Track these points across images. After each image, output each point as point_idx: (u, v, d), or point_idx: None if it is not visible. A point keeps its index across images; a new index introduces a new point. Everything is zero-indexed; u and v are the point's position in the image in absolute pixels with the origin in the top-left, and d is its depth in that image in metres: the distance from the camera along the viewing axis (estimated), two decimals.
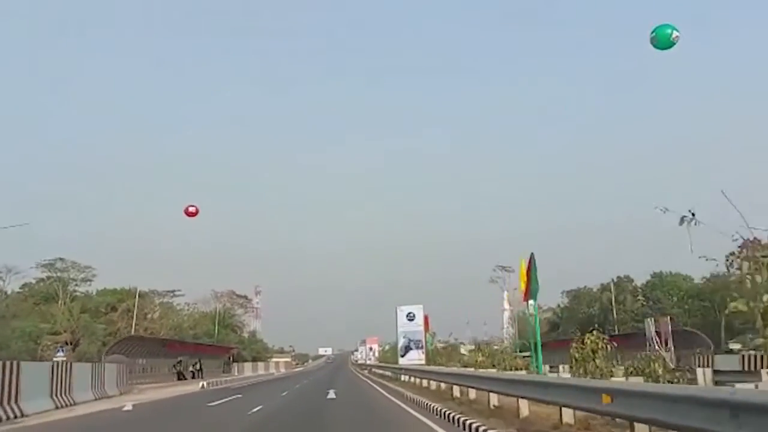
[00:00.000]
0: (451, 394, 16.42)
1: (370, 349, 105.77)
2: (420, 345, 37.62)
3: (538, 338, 18.71)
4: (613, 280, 77.26)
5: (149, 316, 79.90)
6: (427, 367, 25.55)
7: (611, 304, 74.55)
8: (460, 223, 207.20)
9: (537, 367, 18.97)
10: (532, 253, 18.55)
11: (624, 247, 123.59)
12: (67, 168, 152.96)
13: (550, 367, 30.54)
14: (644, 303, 77.06)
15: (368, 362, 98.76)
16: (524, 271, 18.95)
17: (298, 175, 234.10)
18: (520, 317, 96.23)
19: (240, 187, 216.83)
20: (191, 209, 20.81)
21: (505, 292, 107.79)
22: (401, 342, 38.32)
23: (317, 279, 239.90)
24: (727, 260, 73.08)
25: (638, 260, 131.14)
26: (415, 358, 36.99)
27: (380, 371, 47.15)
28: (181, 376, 50.71)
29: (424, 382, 22.53)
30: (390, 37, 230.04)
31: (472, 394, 14.72)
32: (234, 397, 26.85)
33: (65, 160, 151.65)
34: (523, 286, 19.39)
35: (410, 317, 37.68)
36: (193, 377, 53.00)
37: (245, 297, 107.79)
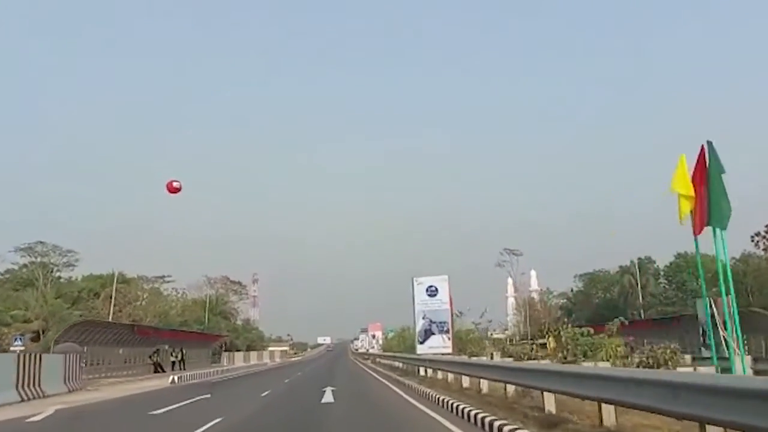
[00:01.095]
0: (543, 408, 8.93)
1: (373, 336, 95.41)
2: (445, 328, 27.60)
3: (735, 309, 10.70)
4: (633, 261, 69.62)
5: (138, 302, 72.65)
6: (476, 360, 17.20)
7: (632, 287, 67.08)
8: (462, 212, 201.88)
9: (730, 361, 10.92)
10: (707, 142, 10.04)
11: (641, 230, 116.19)
12: (68, 165, 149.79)
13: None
14: (667, 286, 69.77)
15: (371, 351, 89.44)
16: (687, 179, 10.03)
17: (297, 170, 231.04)
18: (530, 302, 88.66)
19: (240, 183, 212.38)
20: (176, 184, 18.36)
21: (510, 279, 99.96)
22: (420, 324, 28.35)
23: (316, 269, 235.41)
24: (753, 240, 65.91)
25: (657, 242, 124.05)
26: (439, 345, 27.25)
27: (386, 361, 39.39)
28: (158, 368, 43.22)
29: (465, 381, 14.94)
30: (390, 38, 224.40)
31: (598, 411, 7.22)
32: (198, 398, 19.35)
33: (67, 158, 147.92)
34: (686, 205, 10.05)
35: (431, 292, 27.68)
36: (174, 368, 45.71)
37: (239, 283, 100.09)
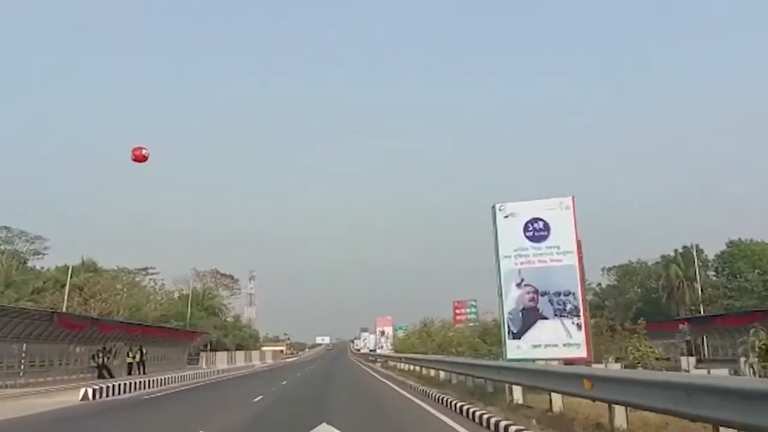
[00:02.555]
0: None
1: (382, 333, 77.92)
2: (569, 306, 11.88)
3: None
4: (677, 250, 58.15)
5: (117, 295, 61.29)
6: None
7: (679, 279, 55.67)
8: (470, 204, 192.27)
9: None
10: None
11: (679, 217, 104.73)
12: (70, 163, 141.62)
13: None
14: (716, 277, 58.31)
15: (379, 351, 72.54)
16: None
17: (297, 168, 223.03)
18: None
19: (240, 183, 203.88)
20: (145, 152, 15.80)
21: None
22: (511, 297, 12.20)
23: (315, 269, 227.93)
24: None
25: (697, 229, 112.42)
26: (557, 339, 11.79)
27: (408, 366, 28.22)
28: (104, 371, 31.76)
29: None
30: (390, 37, 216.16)
31: None
32: None
33: (68, 156, 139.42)
34: None
35: (536, 232, 12.42)
36: (130, 372, 34.45)
37: (231, 277, 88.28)
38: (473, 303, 73.69)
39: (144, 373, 35.01)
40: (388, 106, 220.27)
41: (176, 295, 73.97)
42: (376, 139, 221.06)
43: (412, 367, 25.84)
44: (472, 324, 50.78)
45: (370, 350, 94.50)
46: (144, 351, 36.56)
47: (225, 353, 54.48)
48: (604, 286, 69.14)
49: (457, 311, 71.37)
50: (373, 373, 30.15)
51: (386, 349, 71.11)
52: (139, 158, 15.66)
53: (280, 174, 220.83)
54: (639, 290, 63.37)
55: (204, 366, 47.92)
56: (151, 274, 73.72)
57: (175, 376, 31.06)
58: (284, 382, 24.94)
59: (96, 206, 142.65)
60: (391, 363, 36.85)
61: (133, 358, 35.70)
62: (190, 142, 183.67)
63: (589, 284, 73.86)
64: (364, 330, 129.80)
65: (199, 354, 52.31)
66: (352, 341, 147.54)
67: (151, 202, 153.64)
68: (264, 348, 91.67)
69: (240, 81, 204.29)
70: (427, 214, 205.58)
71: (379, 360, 49.66)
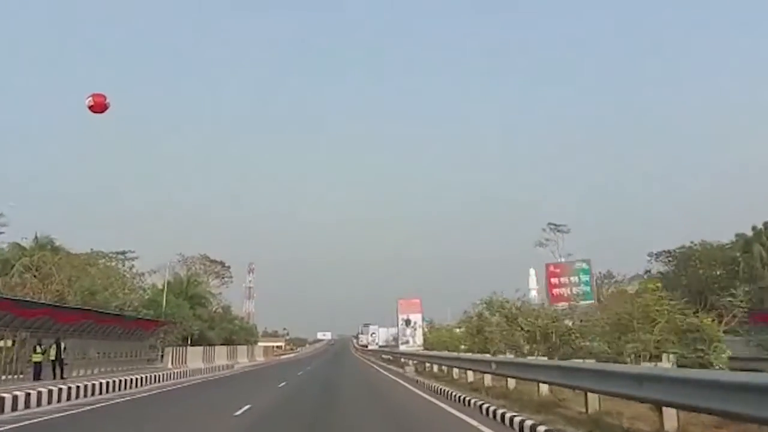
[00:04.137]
0: None
1: (407, 322, 56.05)
2: None
3: None
4: (757, 228, 45.53)
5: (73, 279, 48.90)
6: None
7: (763, 262, 43.25)
8: (469, 200, 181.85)
9: None
10: None
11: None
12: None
13: None
14: None
15: (404, 347, 50.63)
16: None
17: (299, 163, 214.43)
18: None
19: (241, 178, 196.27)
20: (107, 101, 13.56)
21: (532, 269, 75.22)
22: None
23: (316, 265, 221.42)
24: None
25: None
26: None
27: (512, 382, 12.83)
28: None
29: None
30: (390, 37, 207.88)
31: None
32: None
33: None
34: None
35: None
36: (39, 375, 22.37)
37: (222, 264, 75.80)
38: (584, 266, 47.28)
39: (62, 377, 22.90)
40: (389, 102, 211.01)
41: (157, 281, 61.62)
42: (376, 133, 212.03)
43: (510, 382, 12.71)
44: (583, 302, 36.16)
45: (380, 346, 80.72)
46: (63, 346, 24.07)
47: (200, 349, 41.98)
48: (654, 273, 56.50)
49: (553, 280, 46.65)
50: (425, 395, 16.08)
51: (413, 344, 49.63)
52: (99, 105, 13.25)
53: (280, 168, 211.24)
54: (709, 276, 50.55)
55: (169, 365, 35.51)
56: (130, 258, 61.36)
57: (88, 386, 18.78)
58: (244, 409, 12.36)
59: (90, 192, 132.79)
60: (436, 366, 22.10)
61: (43, 353, 23.31)
62: (189, 137, 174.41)
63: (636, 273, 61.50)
64: (367, 325, 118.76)
65: (162, 350, 39.88)
66: (355, 337, 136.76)
67: (145, 190, 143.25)
68: (259, 343, 79.55)
69: (244, 72, 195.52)
70: (430, 206, 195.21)
71: (407, 360, 30.29)
